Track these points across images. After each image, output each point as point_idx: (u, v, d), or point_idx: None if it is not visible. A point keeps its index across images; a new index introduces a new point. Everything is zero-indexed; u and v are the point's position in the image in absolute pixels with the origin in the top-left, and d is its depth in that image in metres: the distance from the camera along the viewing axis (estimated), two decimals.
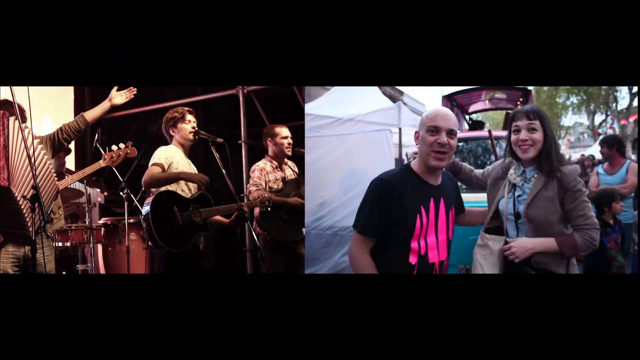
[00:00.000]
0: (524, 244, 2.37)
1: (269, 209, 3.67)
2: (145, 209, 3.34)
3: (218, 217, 3.60)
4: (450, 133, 2.34)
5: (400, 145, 5.49)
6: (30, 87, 2.61)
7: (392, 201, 2.33)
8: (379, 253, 2.41)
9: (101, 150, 4.22)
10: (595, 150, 13.19)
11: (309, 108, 5.08)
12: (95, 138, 4.48)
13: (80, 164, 5.68)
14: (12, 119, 2.67)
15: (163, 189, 3.40)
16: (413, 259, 2.36)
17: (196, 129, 3.56)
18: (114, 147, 3.25)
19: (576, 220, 2.38)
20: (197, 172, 3.60)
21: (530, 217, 2.38)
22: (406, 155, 7.17)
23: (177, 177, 3.43)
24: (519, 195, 2.46)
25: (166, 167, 3.41)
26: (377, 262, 2.40)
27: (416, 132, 2.43)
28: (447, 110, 2.41)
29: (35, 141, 2.77)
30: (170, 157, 3.45)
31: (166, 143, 3.59)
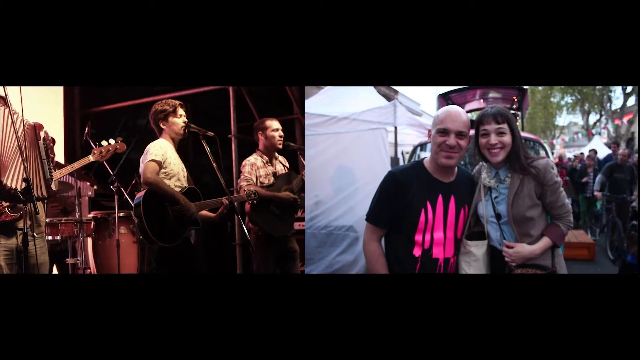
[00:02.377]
0: (524, 255, 2.38)
1: (255, 201, 3.66)
2: (137, 204, 3.33)
3: (205, 212, 3.59)
4: (460, 134, 2.39)
5: (395, 144, 5.48)
6: (22, 87, 2.62)
7: (396, 193, 2.44)
8: (388, 243, 2.56)
9: (91, 143, 4.21)
10: (586, 150, 13.22)
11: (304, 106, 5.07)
12: (85, 131, 4.47)
13: (69, 157, 5.66)
14: (1, 108, 2.66)
15: None
16: (417, 252, 2.45)
17: (187, 122, 3.54)
18: (104, 143, 3.26)
19: (557, 211, 2.42)
20: (183, 166, 3.59)
21: (513, 215, 2.39)
22: (402, 153, 7.16)
23: (176, 197, 3.37)
24: (495, 197, 2.47)
25: (163, 162, 3.40)
26: (387, 251, 2.54)
27: (429, 130, 2.50)
28: (458, 111, 2.43)
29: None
30: (165, 153, 3.43)
31: (156, 136, 3.57)
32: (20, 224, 2.82)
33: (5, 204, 2.76)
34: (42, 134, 2.83)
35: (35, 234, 2.91)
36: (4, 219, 2.77)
